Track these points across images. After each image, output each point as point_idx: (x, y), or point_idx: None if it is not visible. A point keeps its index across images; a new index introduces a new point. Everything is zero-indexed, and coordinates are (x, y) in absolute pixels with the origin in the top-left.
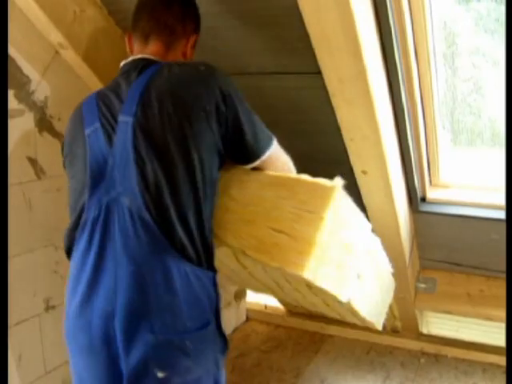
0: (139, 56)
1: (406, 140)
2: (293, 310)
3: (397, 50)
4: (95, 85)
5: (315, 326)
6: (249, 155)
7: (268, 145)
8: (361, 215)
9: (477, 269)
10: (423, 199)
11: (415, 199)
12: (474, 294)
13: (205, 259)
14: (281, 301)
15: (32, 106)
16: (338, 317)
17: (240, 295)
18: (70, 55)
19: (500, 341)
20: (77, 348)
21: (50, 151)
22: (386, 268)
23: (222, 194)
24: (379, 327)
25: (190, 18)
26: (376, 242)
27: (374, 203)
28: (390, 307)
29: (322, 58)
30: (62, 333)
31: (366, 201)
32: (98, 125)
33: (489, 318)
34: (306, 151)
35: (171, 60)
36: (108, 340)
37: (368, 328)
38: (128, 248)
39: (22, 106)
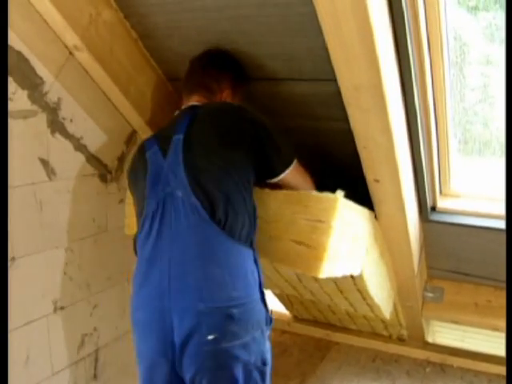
0: (188, 105)
1: (419, 149)
2: (298, 316)
3: (412, 60)
4: (109, 87)
5: (321, 333)
6: (272, 172)
7: (288, 164)
8: (364, 211)
9: (485, 279)
10: (433, 208)
11: (425, 208)
12: (482, 305)
13: (244, 238)
14: (288, 305)
15: (45, 107)
16: (349, 307)
17: None
18: (84, 57)
19: None
20: (135, 323)
21: (61, 152)
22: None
23: None
24: (386, 315)
25: (224, 76)
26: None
27: (384, 211)
28: (397, 315)
29: (338, 65)
30: (70, 334)
31: (377, 208)
32: (156, 147)
33: (496, 329)
34: (316, 156)
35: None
36: (163, 313)
37: (374, 335)
38: (180, 229)
39: (34, 107)
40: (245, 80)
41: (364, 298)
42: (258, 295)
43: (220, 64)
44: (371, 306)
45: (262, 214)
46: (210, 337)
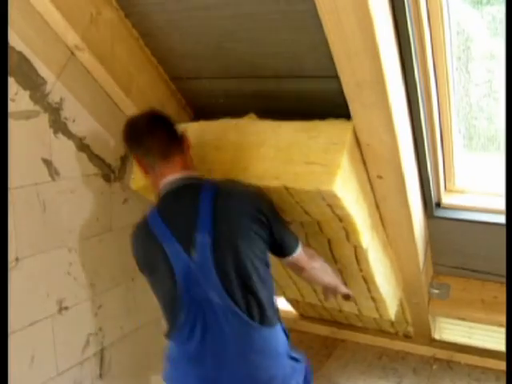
0: (178, 176)
1: (423, 145)
2: (305, 314)
3: (415, 55)
4: (110, 87)
5: (327, 331)
6: (287, 250)
7: (296, 244)
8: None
9: (491, 275)
10: (438, 204)
11: (430, 204)
12: (488, 301)
13: (276, 318)
14: (295, 303)
15: (47, 107)
16: (353, 307)
17: None
18: (85, 57)
19: None
20: None
21: (64, 153)
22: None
23: (261, 145)
24: (392, 314)
25: (173, 127)
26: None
27: (388, 208)
28: (403, 312)
29: (340, 61)
30: (75, 334)
31: (380, 205)
32: (177, 244)
33: (502, 325)
34: None
35: (190, 160)
36: None
37: (380, 333)
38: (224, 333)
39: (37, 107)
40: None
41: (369, 290)
42: (288, 359)
43: (166, 124)
44: (377, 301)
45: (273, 143)
46: None
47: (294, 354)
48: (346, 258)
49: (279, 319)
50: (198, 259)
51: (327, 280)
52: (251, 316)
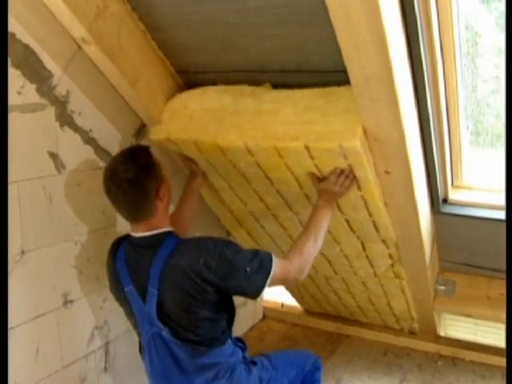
0: (146, 234)
1: (430, 140)
2: (310, 310)
3: (423, 51)
4: (117, 80)
5: (332, 326)
6: (251, 294)
7: (261, 286)
8: None
9: (498, 272)
10: (445, 200)
11: (437, 200)
12: (494, 298)
13: (226, 336)
14: (299, 298)
15: (53, 100)
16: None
17: None
18: (92, 50)
19: None
20: None
21: (70, 146)
22: None
23: (279, 112)
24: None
25: (150, 182)
26: None
27: (395, 203)
28: (408, 308)
29: (348, 56)
30: (80, 327)
31: (387, 201)
32: (132, 287)
33: None
34: None
35: (164, 212)
36: None
37: (385, 329)
38: (170, 363)
39: (43, 101)
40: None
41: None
42: (244, 364)
43: (142, 169)
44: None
45: (291, 110)
46: None
47: (252, 358)
48: (366, 232)
49: (229, 335)
50: (148, 307)
51: (324, 231)
52: (198, 344)
